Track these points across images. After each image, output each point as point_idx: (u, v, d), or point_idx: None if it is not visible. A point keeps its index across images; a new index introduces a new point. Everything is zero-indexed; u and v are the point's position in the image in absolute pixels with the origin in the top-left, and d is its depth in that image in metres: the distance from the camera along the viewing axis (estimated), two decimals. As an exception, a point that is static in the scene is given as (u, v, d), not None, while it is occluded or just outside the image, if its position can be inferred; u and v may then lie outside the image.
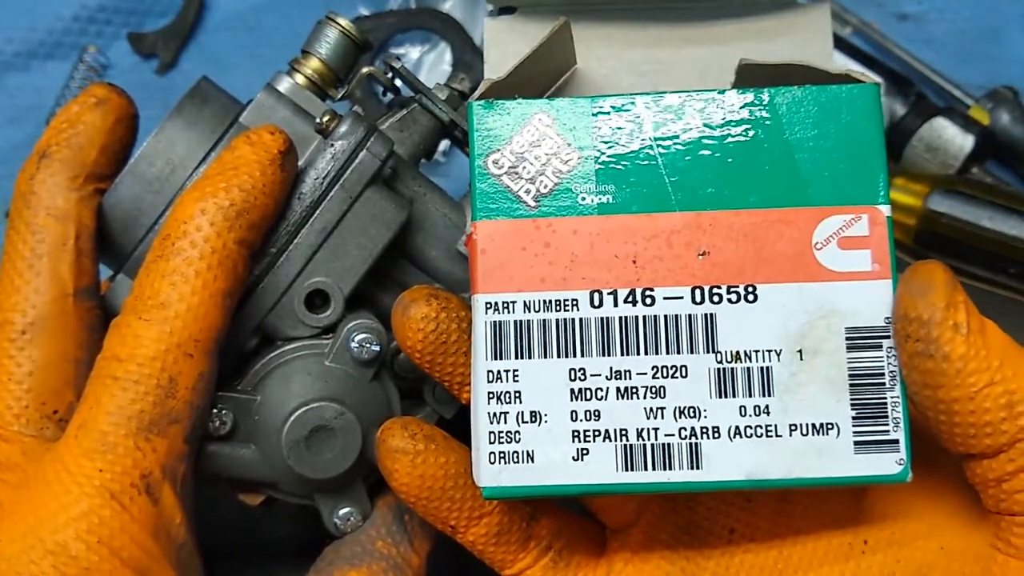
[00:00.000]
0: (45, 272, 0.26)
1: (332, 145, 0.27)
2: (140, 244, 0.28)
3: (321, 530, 0.29)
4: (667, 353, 0.22)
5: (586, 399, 0.22)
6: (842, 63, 0.39)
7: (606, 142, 0.23)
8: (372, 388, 0.28)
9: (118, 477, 0.24)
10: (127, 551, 0.24)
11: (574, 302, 0.22)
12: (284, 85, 0.29)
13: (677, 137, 0.23)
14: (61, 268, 0.26)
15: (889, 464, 0.22)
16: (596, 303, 0.22)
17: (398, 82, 0.31)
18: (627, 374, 0.22)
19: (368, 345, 0.27)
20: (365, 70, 0.30)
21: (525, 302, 0.22)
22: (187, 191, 0.26)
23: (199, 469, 0.27)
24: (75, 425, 0.25)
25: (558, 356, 0.22)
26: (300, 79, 0.29)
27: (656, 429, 0.22)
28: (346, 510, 0.28)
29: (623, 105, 0.23)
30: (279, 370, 0.28)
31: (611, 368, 0.22)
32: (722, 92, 0.23)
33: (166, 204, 0.27)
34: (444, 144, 0.35)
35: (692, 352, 0.22)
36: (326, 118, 0.28)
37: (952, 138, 0.39)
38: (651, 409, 0.22)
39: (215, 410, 0.27)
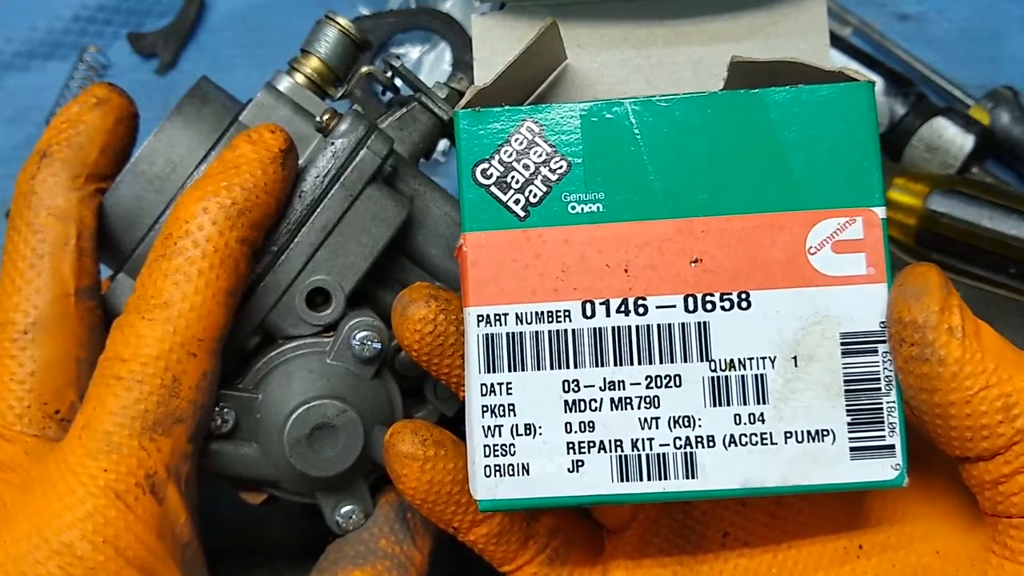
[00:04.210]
0: (46, 272, 0.26)
1: (332, 143, 0.27)
2: (141, 243, 0.28)
3: (323, 528, 0.29)
4: (660, 362, 0.22)
5: (580, 410, 0.22)
6: (842, 63, 0.39)
7: (595, 148, 0.22)
8: (373, 386, 0.28)
9: (123, 477, 0.24)
10: (132, 551, 0.24)
11: (566, 313, 0.22)
12: (284, 84, 0.29)
13: (667, 142, 0.22)
14: (62, 268, 0.26)
15: (885, 469, 0.22)
16: (588, 313, 0.22)
17: (398, 81, 0.31)
18: (621, 384, 0.22)
19: (369, 343, 0.27)
20: (364, 69, 0.30)
21: (517, 314, 0.22)
22: (188, 190, 0.26)
23: (201, 468, 0.27)
24: (79, 425, 0.25)
25: (551, 368, 0.22)
26: (300, 78, 0.29)
27: (651, 439, 0.22)
28: (348, 508, 0.28)
29: (612, 110, 0.22)
30: (280, 368, 0.28)
31: (604, 379, 0.22)
32: (713, 94, 0.23)
33: (167, 203, 0.27)
34: (443, 143, 0.35)
35: (686, 361, 0.22)
36: (326, 116, 0.28)
37: (952, 138, 0.39)
38: (645, 419, 0.22)
39: (217, 408, 0.27)
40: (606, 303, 0.22)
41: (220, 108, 0.28)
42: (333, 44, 0.29)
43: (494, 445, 0.22)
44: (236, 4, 0.43)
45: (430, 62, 0.43)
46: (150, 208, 0.28)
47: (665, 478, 0.22)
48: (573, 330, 0.22)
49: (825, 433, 0.22)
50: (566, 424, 0.22)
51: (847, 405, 0.22)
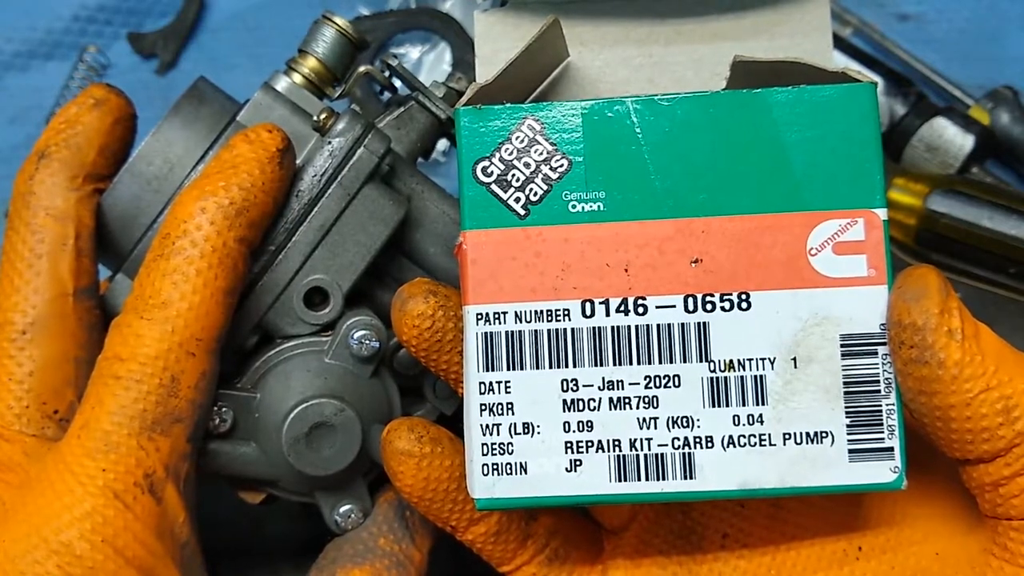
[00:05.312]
0: (45, 272, 0.26)
1: (330, 143, 0.27)
2: (139, 243, 0.28)
3: (322, 528, 0.29)
4: (660, 363, 0.22)
5: (579, 410, 0.22)
6: (842, 63, 0.39)
7: (596, 147, 0.22)
8: (372, 385, 0.28)
9: (121, 476, 0.24)
10: (131, 550, 0.24)
11: (566, 312, 0.22)
12: (281, 84, 0.29)
13: (668, 141, 0.22)
14: (61, 268, 0.26)
15: (884, 472, 0.22)
16: (588, 313, 0.22)
17: (396, 81, 0.31)
18: (619, 384, 0.22)
19: (367, 342, 0.27)
20: (362, 69, 0.30)
21: (516, 313, 0.22)
22: (186, 190, 0.26)
23: (200, 467, 0.27)
24: (77, 425, 0.25)
25: (550, 367, 0.22)
26: (297, 78, 0.29)
27: (649, 439, 0.22)
28: (347, 507, 0.28)
29: (613, 108, 0.22)
30: (279, 367, 0.28)
31: (603, 378, 0.22)
32: (715, 93, 0.22)
33: (165, 203, 0.27)
34: (444, 144, 0.35)
35: (685, 361, 0.22)
36: (323, 116, 0.28)
37: (952, 138, 0.39)
38: (644, 419, 0.22)
39: (215, 408, 0.27)
40: (606, 303, 0.22)
41: (218, 108, 0.28)
42: (330, 44, 0.29)
43: (492, 444, 0.22)
44: (236, 4, 0.43)
45: (430, 62, 0.43)
46: (148, 208, 0.27)
47: (663, 478, 0.22)
48: (572, 329, 0.22)
49: (824, 435, 0.22)
50: (564, 423, 0.22)
51: (846, 407, 0.22)
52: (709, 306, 0.22)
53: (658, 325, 0.22)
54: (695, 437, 0.22)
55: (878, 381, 0.22)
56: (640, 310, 0.22)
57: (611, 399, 0.22)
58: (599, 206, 0.22)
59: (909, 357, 0.21)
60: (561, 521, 0.26)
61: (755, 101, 0.22)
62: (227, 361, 0.27)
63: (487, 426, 0.22)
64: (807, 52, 0.28)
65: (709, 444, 0.22)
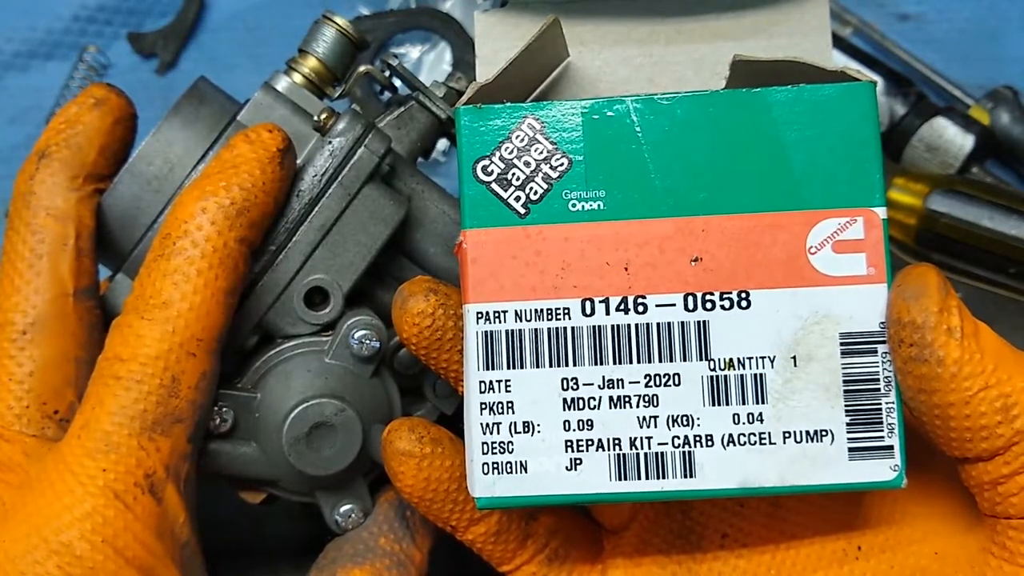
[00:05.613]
0: (45, 272, 0.26)
1: (330, 142, 0.27)
2: (139, 244, 0.28)
3: (322, 527, 0.29)
4: (660, 361, 0.22)
5: (579, 408, 0.22)
6: (842, 63, 0.39)
7: (596, 146, 0.22)
8: (372, 384, 0.28)
9: (121, 477, 0.24)
10: (131, 550, 0.24)
11: (566, 311, 0.22)
12: (282, 84, 0.29)
13: (668, 141, 0.22)
14: (61, 268, 0.26)
15: (884, 470, 0.22)
16: (588, 311, 0.22)
17: (396, 81, 0.31)
18: (619, 383, 0.22)
19: (368, 341, 0.27)
20: (362, 69, 0.30)
21: (516, 311, 0.22)
22: (187, 190, 0.26)
23: (200, 467, 0.27)
24: (78, 425, 0.25)
25: (550, 365, 0.22)
26: (297, 78, 0.29)
27: (649, 438, 0.22)
28: (347, 507, 0.28)
29: (613, 107, 0.22)
30: (279, 367, 0.28)
31: (603, 377, 0.22)
32: (714, 92, 0.23)
33: (165, 203, 0.28)
34: (444, 143, 0.35)
35: (685, 360, 0.22)
36: (324, 115, 0.28)
37: (952, 138, 0.39)
38: (644, 418, 0.22)
39: (216, 408, 0.27)
40: (606, 301, 0.22)
41: (218, 108, 0.28)
42: (331, 44, 0.29)
43: (492, 443, 0.22)
44: (236, 4, 0.43)
45: (430, 62, 0.43)
46: (148, 208, 0.28)
47: (663, 477, 0.22)
48: (572, 328, 0.22)
49: (824, 433, 0.22)
50: (564, 422, 0.22)
51: (846, 405, 0.22)
52: (709, 305, 0.22)
53: (658, 324, 0.22)
54: (695, 436, 0.22)
55: (878, 379, 0.22)
56: (640, 309, 0.22)
57: (611, 398, 0.22)
58: (599, 205, 0.22)
59: (908, 355, 0.22)
60: (561, 521, 0.26)
61: (755, 100, 0.22)
62: (227, 361, 0.27)
63: (487, 425, 0.23)
64: (806, 51, 0.28)
65: (709, 443, 0.22)
